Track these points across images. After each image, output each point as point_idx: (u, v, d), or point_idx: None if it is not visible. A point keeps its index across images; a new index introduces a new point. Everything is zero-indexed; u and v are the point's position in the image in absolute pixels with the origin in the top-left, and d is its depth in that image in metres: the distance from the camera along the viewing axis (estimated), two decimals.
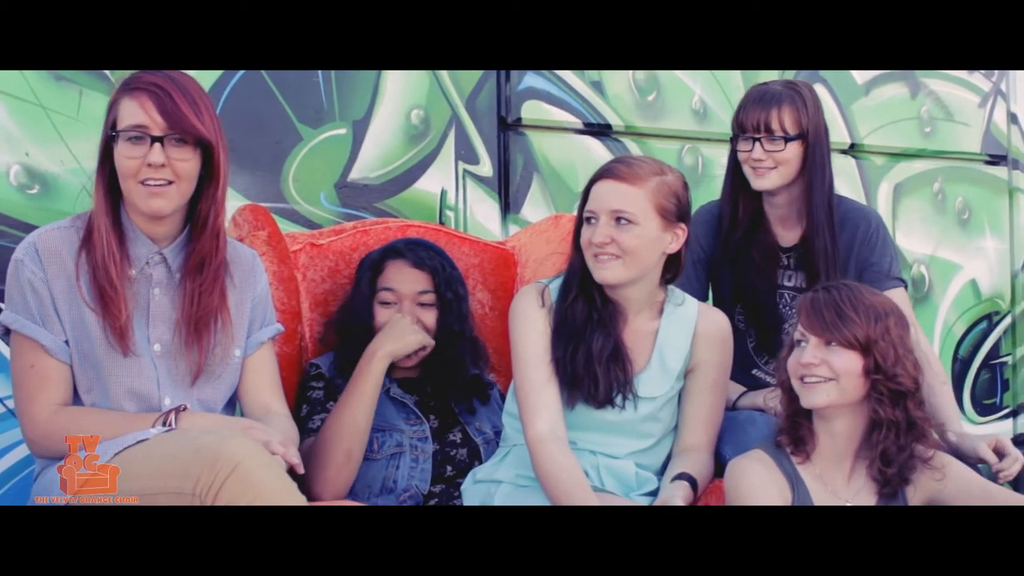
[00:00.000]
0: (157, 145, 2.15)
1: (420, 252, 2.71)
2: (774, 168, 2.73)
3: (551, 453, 2.37)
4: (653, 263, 2.46)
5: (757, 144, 2.73)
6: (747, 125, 2.74)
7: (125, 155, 2.16)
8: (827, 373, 2.25)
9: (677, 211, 2.44)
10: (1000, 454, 2.52)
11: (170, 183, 2.17)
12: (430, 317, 2.66)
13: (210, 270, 2.25)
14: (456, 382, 2.69)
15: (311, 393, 2.64)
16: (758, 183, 2.76)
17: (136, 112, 2.15)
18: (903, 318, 2.32)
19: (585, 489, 2.32)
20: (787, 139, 2.71)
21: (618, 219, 2.40)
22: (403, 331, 2.61)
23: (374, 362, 2.55)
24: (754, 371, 2.89)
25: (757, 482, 2.28)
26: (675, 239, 2.46)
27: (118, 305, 2.17)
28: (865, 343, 2.24)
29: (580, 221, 2.47)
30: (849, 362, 2.25)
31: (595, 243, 2.41)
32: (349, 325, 2.67)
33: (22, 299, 2.19)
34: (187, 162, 2.18)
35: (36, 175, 2.84)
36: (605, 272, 2.43)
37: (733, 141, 2.81)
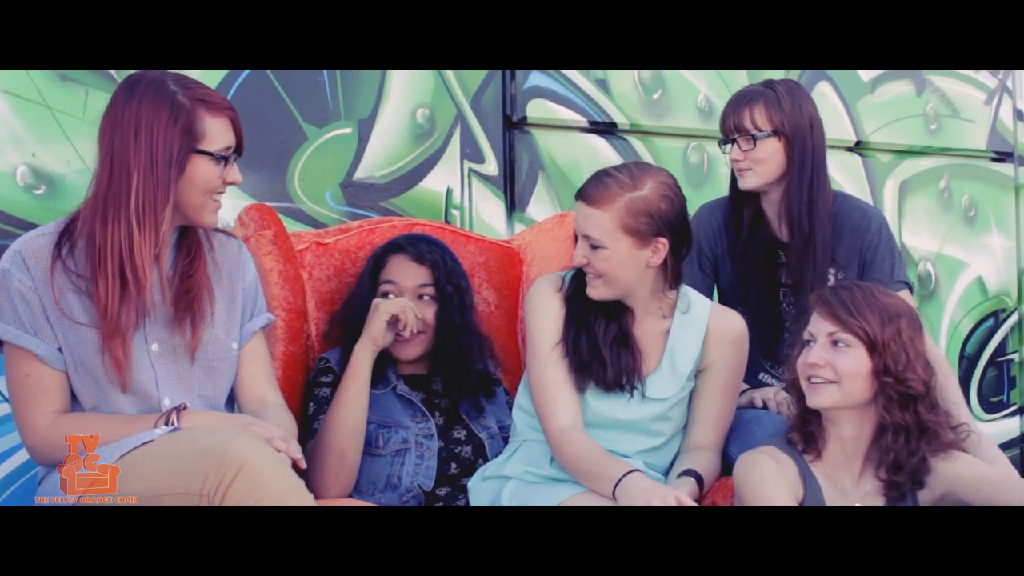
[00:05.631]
0: (234, 164, 2.24)
1: (421, 246, 2.72)
2: (751, 168, 2.76)
3: (576, 440, 2.39)
4: (635, 278, 2.44)
5: (734, 145, 2.77)
6: (725, 126, 2.80)
7: (216, 174, 2.20)
8: (830, 375, 2.25)
9: (651, 228, 2.40)
10: None
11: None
12: (429, 311, 2.66)
13: (196, 252, 2.29)
14: (464, 377, 2.69)
15: (319, 391, 2.64)
16: (741, 183, 2.80)
17: (226, 132, 2.21)
18: (916, 320, 2.31)
19: (613, 459, 2.36)
20: (756, 137, 2.73)
21: (590, 243, 2.41)
22: (370, 313, 2.60)
23: (355, 358, 2.56)
24: (761, 375, 2.89)
25: (767, 475, 2.27)
26: (655, 253, 2.42)
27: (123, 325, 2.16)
28: (874, 343, 2.24)
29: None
30: (854, 364, 2.24)
31: (574, 264, 2.45)
32: (353, 320, 2.67)
33: (11, 309, 2.16)
34: None
35: (42, 175, 2.84)
36: (591, 290, 2.45)
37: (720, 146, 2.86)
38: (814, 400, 2.28)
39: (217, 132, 2.19)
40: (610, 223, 2.39)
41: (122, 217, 2.14)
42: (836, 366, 2.25)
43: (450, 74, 3.42)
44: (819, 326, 2.28)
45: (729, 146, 2.79)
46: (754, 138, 2.74)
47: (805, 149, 2.76)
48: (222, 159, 2.20)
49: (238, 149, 2.24)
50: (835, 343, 2.26)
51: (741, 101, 2.78)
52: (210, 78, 2.97)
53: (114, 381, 2.17)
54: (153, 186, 2.15)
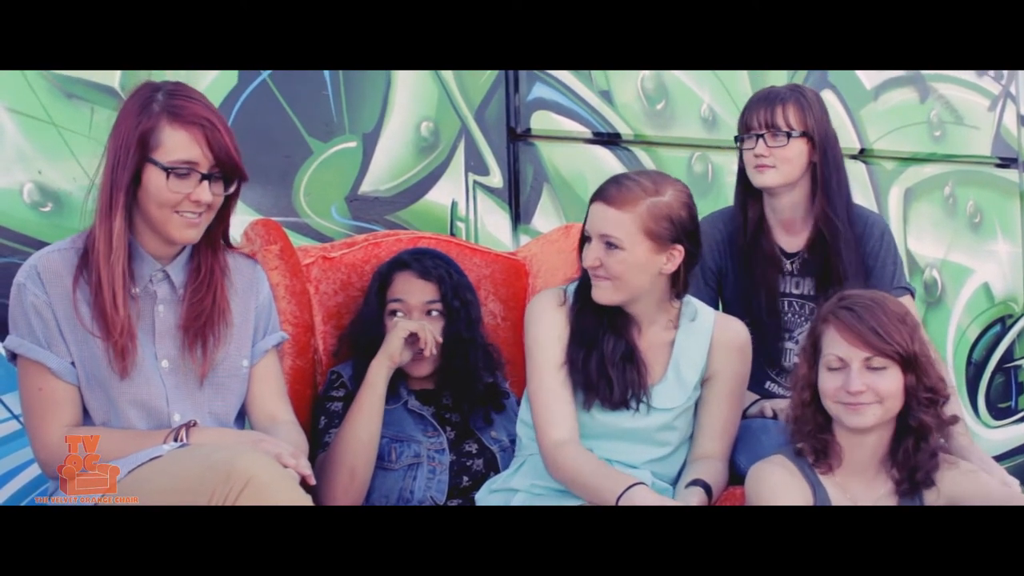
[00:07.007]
0: (206, 183, 2.17)
1: (426, 262, 2.71)
2: (774, 166, 2.74)
3: (572, 454, 2.39)
4: (647, 284, 2.45)
5: (760, 140, 2.74)
6: (752, 122, 2.76)
7: (170, 188, 2.16)
8: (872, 398, 2.26)
9: (671, 233, 2.42)
10: None
11: (201, 213, 2.20)
12: (438, 327, 2.67)
13: (207, 275, 2.27)
14: (473, 390, 2.69)
15: (330, 405, 2.64)
16: (758, 179, 2.76)
17: (188, 146, 2.16)
18: (916, 321, 2.33)
19: (615, 471, 2.36)
20: (790, 135, 2.72)
21: (607, 243, 2.41)
22: (389, 331, 2.61)
23: (371, 373, 2.57)
24: (767, 384, 2.88)
25: (779, 485, 2.28)
26: (670, 260, 2.43)
27: (117, 325, 2.16)
28: (906, 359, 2.25)
29: (583, 237, 2.49)
30: (894, 383, 2.26)
31: (585, 265, 2.44)
32: (361, 338, 2.68)
33: (26, 323, 2.18)
34: (220, 195, 2.22)
35: (49, 193, 2.85)
36: (598, 293, 2.44)
37: (740, 143, 2.81)
38: (856, 421, 2.27)
39: (174, 144, 2.15)
40: (632, 225, 2.39)
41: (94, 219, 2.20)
42: (877, 389, 2.25)
43: (454, 87, 3.43)
44: (850, 352, 2.27)
45: (752, 141, 2.75)
46: (788, 135, 2.73)
47: (835, 157, 2.77)
48: (178, 173, 2.15)
49: (222, 168, 2.18)
50: (870, 366, 2.26)
51: (773, 98, 2.75)
52: (215, 93, 2.98)
53: (114, 366, 2.17)
54: (109, 190, 2.17)
